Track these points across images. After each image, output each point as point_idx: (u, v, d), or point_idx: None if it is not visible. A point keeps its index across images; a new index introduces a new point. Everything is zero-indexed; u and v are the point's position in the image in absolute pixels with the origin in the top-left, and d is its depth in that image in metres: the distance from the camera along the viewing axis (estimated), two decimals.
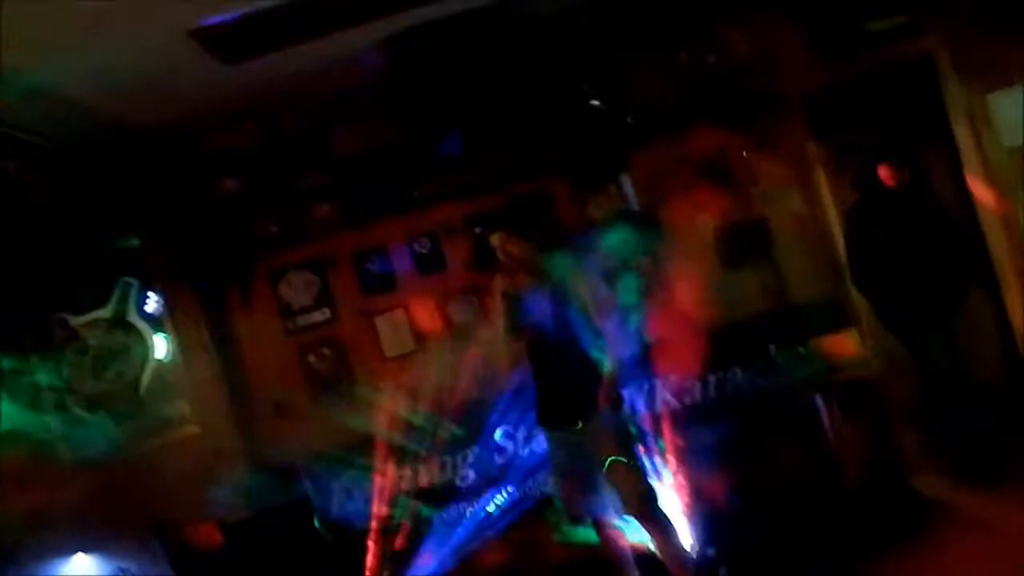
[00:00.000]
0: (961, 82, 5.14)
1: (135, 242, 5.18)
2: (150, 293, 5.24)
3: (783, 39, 5.07)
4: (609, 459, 4.03)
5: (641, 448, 4.30)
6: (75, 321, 5.19)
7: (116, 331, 5.25)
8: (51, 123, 4.20)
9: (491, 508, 4.93)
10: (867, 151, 4.95)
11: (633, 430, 4.28)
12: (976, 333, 5.21)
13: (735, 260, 5.13)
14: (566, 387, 4.10)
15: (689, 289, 4.85)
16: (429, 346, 5.22)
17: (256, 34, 4.06)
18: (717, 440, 4.86)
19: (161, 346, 5.25)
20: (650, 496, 4.16)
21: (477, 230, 5.15)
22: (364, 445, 5.01)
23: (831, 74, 5.09)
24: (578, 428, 4.10)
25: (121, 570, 4.39)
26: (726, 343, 4.98)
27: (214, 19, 3.80)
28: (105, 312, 5.23)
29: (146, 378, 5.26)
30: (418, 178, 5.01)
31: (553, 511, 4.59)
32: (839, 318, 5.01)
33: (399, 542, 4.85)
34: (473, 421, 5.01)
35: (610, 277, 4.80)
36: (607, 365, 4.07)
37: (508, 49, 4.63)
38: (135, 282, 5.26)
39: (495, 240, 4.17)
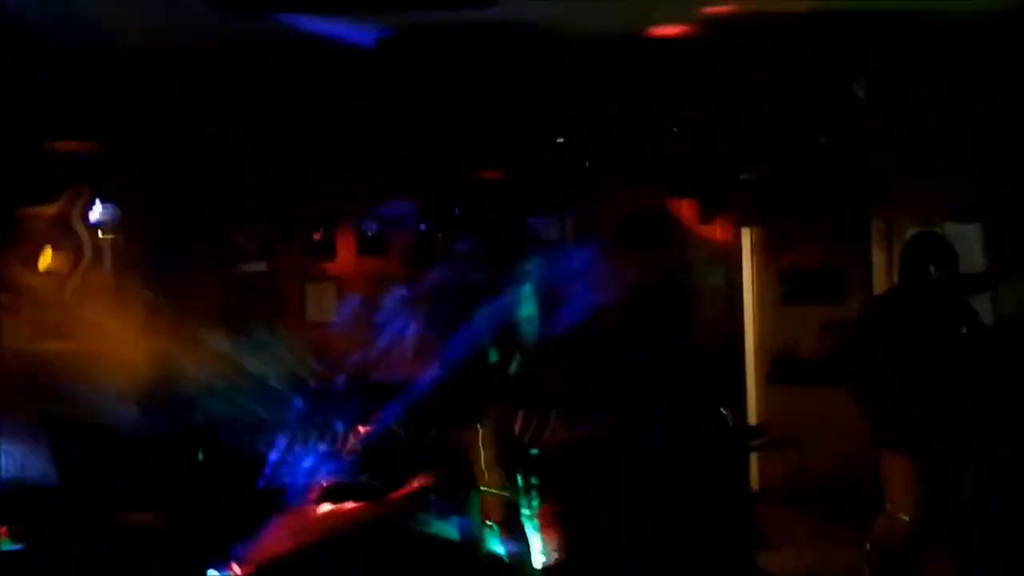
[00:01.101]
0: (887, 207, 5.57)
1: (96, 151, 5.30)
2: (99, 202, 5.35)
3: (747, 125, 5.44)
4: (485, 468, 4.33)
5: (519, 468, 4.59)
6: (21, 211, 5.29)
7: (55, 229, 5.36)
8: (52, 22, 4.33)
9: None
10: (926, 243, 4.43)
11: (519, 446, 4.59)
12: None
13: (647, 314, 5.45)
14: (468, 381, 4.39)
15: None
16: (348, 321, 5.43)
17: None
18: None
19: (98, 254, 5.37)
20: (514, 510, 4.47)
21: (422, 226, 5.41)
22: (270, 394, 5.22)
23: (781, 168, 5.51)
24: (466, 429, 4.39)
25: (6, 452, 4.50)
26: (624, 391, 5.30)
27: None
28: (49, 210, 5.34)
29: (73, 281, 5.37)
30: (377, 164, 5.23)
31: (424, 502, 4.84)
32: (729, 395, 5.37)
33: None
34: (370, 401, 5.25)
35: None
36: (512, 371, 4.38)
37: (498, 63, 4.89)
38: (87, 189, 5.37)
39: (439, 238, 4.48)
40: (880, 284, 5.71)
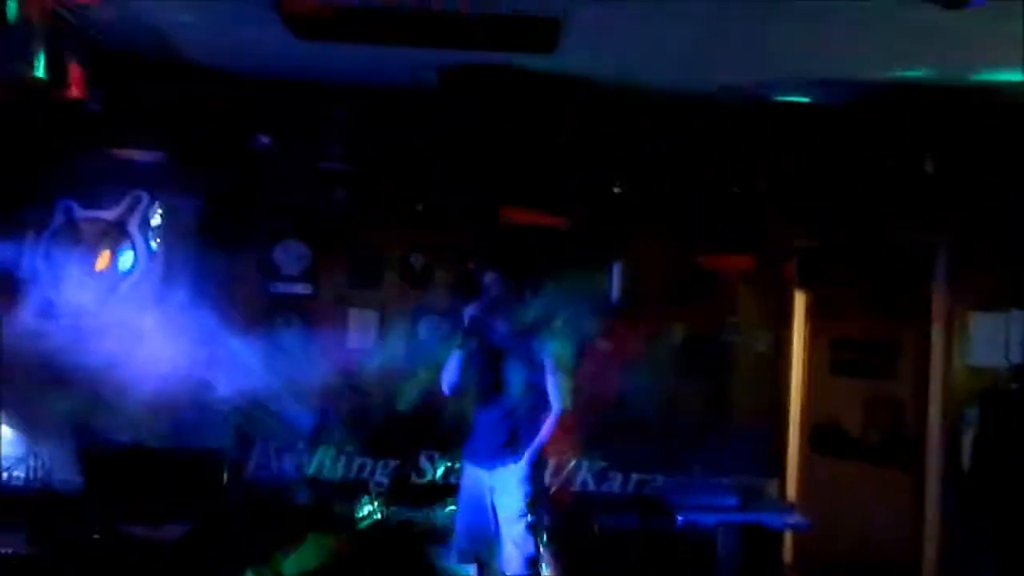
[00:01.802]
0: (949, 286, 5.41)
1: (159, 159, 5.42)
2: (158, 209, 5.46)
3: (802, 192, 5.35)
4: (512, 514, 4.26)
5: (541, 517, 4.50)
6: (79, 213, 5.42)
7: (112, 234, 5.48)
8: (120, 30, 4.46)
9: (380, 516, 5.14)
10: None
11: (544, 494, 4.51)
12: None
13: (689, 373, 5.36)
14: (499, 427, 4.32)
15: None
16: (389, 350, 5.43)
17: (334, 23, 4.33)
18: (617, 534, 5.13)
19: (149, 261, 5.47)
20: (537, 561, 4.38)
21: (471, 265, 5.41)
22: (298, 419, 5.25)
23: (834, 236, 5.40)
24: (495, 471, 4.32)
25: (33, 454, 4.57)
26: (658, 448, 5.22)
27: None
28: (109, 215, 5.46)
29: (124, 286, 5.47)
30: (430, 196, 5.24)
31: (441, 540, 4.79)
32: (768, 462, 5.24)
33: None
34: (403, 435, 5.23)
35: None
36: (551, 420, 4.30)
37: (550, 113, 4.91)
38: (146, 196, 5.48)
39: (487, 278, 4.45)
40: (936, 363, 5.51)
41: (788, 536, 6.02)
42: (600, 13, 3.90)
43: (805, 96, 4.93)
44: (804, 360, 6.70)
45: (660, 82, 4.87)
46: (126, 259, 5.47)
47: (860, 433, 6.61)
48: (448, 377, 4.42)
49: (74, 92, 4.38)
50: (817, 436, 6.77)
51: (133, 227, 5.49)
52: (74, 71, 4.34)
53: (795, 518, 4.85)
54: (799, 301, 6.13)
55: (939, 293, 5.50)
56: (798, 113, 5.14)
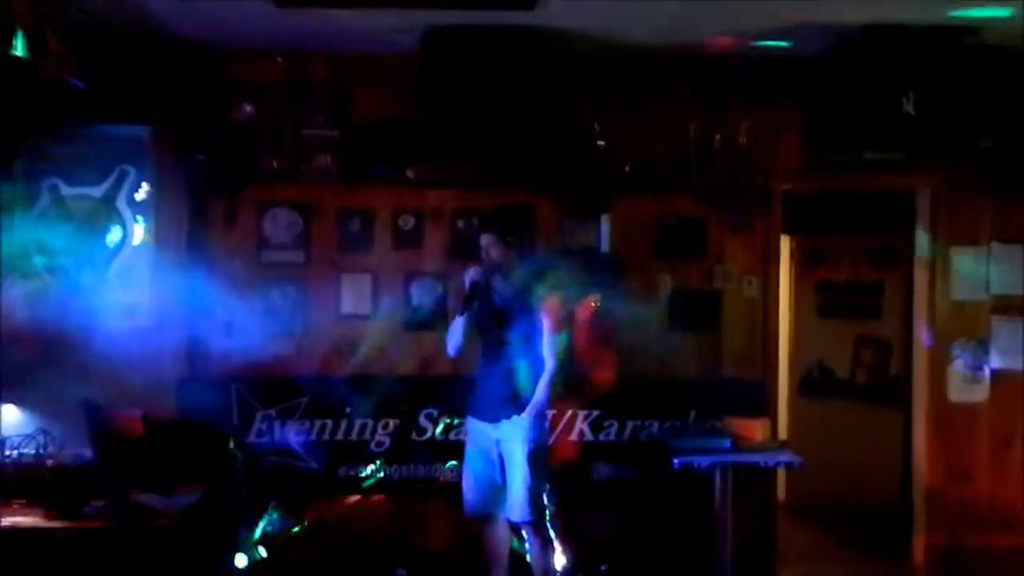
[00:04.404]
0: (931, 227, 5.52)
1: (144, 133, 5.40)
2: (144, 183, 5.46)
3: (784, 141, 5.43)
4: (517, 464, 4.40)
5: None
6: (66, 191, 5.41)
7: (101, 211, 5.47)
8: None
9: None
10: None
11: (547, 446, 4.63)
12: None
13: (681, 324, 5.46)
14: (503, 384, 4.46)
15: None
16: (383, 314, 5.49)
17: None
18: (614, 482, 5.28)
19: (139, 235, 5.48)
20: (540, 511, 4.52)
21: (460, 223, 5.46)
22: (298, 384, 5.32)
23: (817, 183, 5.48)
24: (499, 425, 4.45)
25: (43, 431, 4.62)
26: (653, 397, 5.35)
27: None
28: (96, 191, 5.45)
29: (116, 263, 5.49)
30: (419, 160, 5.26)
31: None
32: (758, 405, 5.36)
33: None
34: (402, 395, 5.31)
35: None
36: (546, 377, 4.46)
37: (535, 70, 4.92)
38: (132, 171, 5.47)
39: (483, 240, 4.56)
40: (921, 304, 5.64)
41: (781, 475, 6.20)
42: None
43: (785, 41, 4.98)
44: (791, 304, 6.86)
45: (641, 35, 4.91)
46: (115, 235, 5.48)
47: (848, 373, 6.79)
48: (452, 340, 4.58)
49: (56, 69, 4.37)
50: (806, 377, 6.94)
51: (121, 203, 5.49)
52: (55, 47, 4.32)
53: (787, 457, 4.98)
54: (784, 246, 6.25)
55: (921, 233, 5.60)
56: (777, 59, 5.19)
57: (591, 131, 5.33)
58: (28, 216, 5.32)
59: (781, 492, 6.41)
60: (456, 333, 4.54)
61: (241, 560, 4.76)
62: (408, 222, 5.51)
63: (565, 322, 4.60)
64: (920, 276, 5.64)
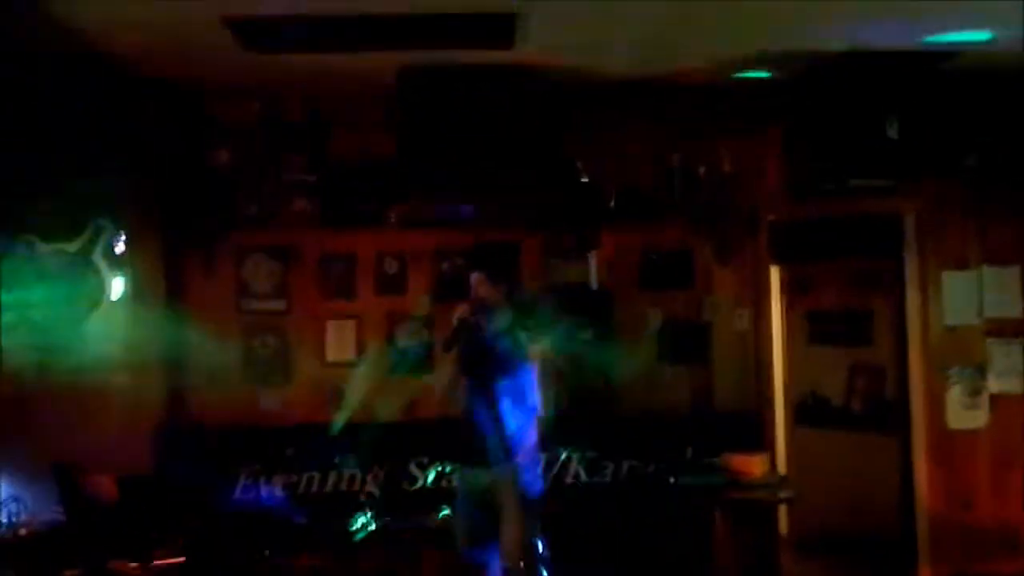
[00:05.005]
0: (920, 251, 5.47)
1: (116, 185, 5.30)
2: (121, 236, 5.35)
3: (768, 169, 5.39)
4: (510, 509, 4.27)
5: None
6: (41, 248, 5.29)
7: (77, 266, 5.35)
8: (61, 50, 4.33)
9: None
10: None
11: (540, 493, 4.50)
12: None
13: (672, 357, 5.38)
14: (492, 428, 4.32)
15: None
16: (369, 360, 5.37)
17: (284, 34, 4.26)
18: (612, 522, 5.14)
19: (116, 289, 5.36)
20: (534, 551, 4.39)
21: (445, 265, 5.37)
22: (283, 435, 5.18)
23: (802, 211, 5.43)
24: (490, 472, 4.32)
25: (14, 498, 4.46)
26: (648, 434, 5.23)
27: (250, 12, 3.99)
28: (72, 247, 5.33)
29: (93, 317, 5.35)
30: (399, 200, 5.18)
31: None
32: (755, 439, 5.26)
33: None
34: (389, 442, 5.18)
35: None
36: (535, 421, 4.34)
37: (513, 107, 4.87)
38: (108, 224, 5.36)
39: (473, 279, 4.45)
40: (914, 329, 5.56)
41: (782, 510, 6.08)
42: (555, 2, 3.86)
43: (765, 71, 4.95)
44: (783, 334, 6.76)
45: (620, 67, 4.87)
46: (92, 289, 5.35)
47: (843, 401, 6.68)
48: (439, 381, 4.44)
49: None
50: (801, 407, 6.83)
51: (97, 256, 5.38)
52: None
53: (787, 492, 4.87)
54: (774, 276, 6.17)
55: (910, 257, 5.54)
56: (758, 88, 5.16)
57: (574, 165, 5.28)
58: (2, 274, 5.21)
59: (783, 525, 6.28)
60: (442, 374, 4.43)
61: None
62: (392, 266, 5.43)
63: (556, 361, 4.50)
64: (912, 301, 5.58)
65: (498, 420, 4.32)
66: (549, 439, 4.54)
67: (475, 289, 4.42)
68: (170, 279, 5.35)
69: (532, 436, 4.35)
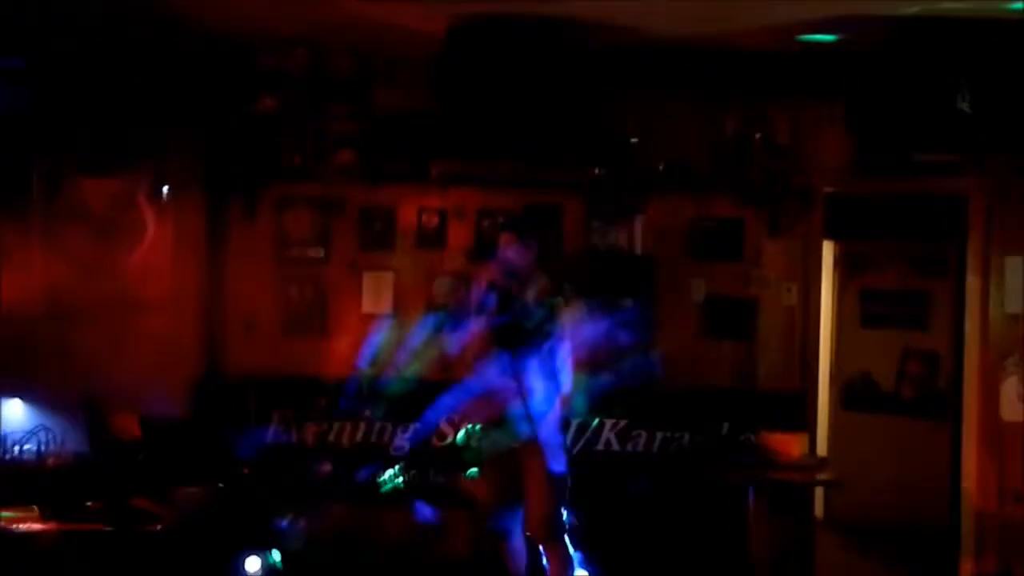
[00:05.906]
0: (983, 234, 5.21)
1: (162, 130, 5.31)
2: (165, 179, 5.36)
3: (828, 140, 5.17)
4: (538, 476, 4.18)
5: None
6: (87, 184, 5.32)
7: (121, 203, 5.39)
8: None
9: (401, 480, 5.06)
10: None
11: (565, 470, 4.41)
12: None
13: (716, 331, 5.23)
14: (518, 400, 4.20)
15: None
16: (404, 314, 5.33)
17: None
18: (642, 494, 5.04)
19: (158, 230, 5.38)
20: (558, 523, 4.30)
21: (485, 223, 5.28)
22: (315, 385, 5.16)
23: (862, 186, 5.20)
24: (517, 438, 4.23)
25: (43, 426, 4.53)
26: (685, 407, 5.11)
27: None
28: (117, 184, 5.36)
29: (136, 255, 5.39)
30: (443, 156, 5.08)
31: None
32: (796, 419, 5.11)
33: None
34: (423, 397, 5.14)
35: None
36: (563, 387, 4.24)
37: (565, 66, 4.73)
38: (153, 164, 5.38)
39: (502, 239, 4.31)
40: (972, 315, 5.33)
41: (819, 492, 5.93)
42: None
43: (830, 35, 4.72)
44: (833, 313, 6.54)
45: (676, 25, 4.69)
46: (135, 228, 5.38)
47: (893, 386, 6.47)
48: (461, 344, 4.38)
49: None
50: (848, 390, 6.63)
51: (141, 197, 5.40)
52: None
53: (825, 474, 4.73)
54: (826, 252, 5.96)
55: (973, 240, 5.30)
56: (821, 54, 4.93)
57: (623, 127, 5.13)
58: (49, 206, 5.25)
59: (819, 507, 6.14)
60: (472, 336, 4.32)
61: (253, 564, 4.61)
62: (431, 220, 5.36)
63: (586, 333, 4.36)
64: (972, 285, 5.33)
65: (523, 392, 4.21)
66: (582, 408, 4.44)
67: (503, 250, 4.29)
68: (212, 225, 5.34)
69: (556, 413, 4.25)
